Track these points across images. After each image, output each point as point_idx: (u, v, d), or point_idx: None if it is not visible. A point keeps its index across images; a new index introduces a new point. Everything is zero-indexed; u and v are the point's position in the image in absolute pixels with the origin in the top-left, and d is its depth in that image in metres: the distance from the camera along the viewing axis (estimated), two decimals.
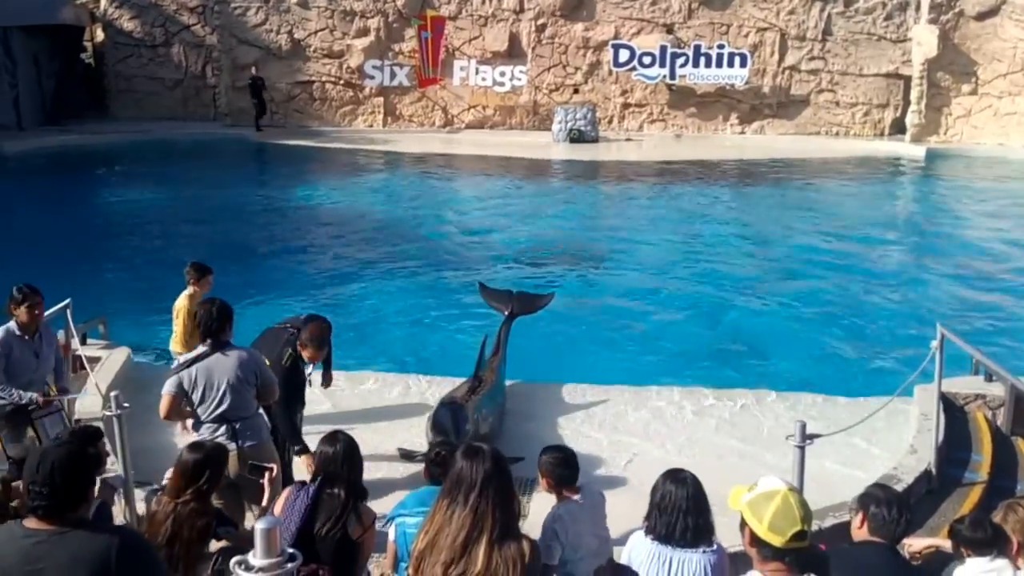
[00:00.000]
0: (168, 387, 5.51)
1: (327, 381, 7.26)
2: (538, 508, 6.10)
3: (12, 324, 6.16)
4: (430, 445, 4.19)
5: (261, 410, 5.72)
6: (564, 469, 4.49)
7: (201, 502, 4.25)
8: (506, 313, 8.67)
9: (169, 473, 4.58)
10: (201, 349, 5.56)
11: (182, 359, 5.71)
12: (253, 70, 26.08)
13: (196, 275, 7.44)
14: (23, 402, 6.01)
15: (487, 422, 7.01)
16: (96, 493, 4.26)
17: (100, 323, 8.92)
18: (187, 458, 4.35)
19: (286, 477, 5.66)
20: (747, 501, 3.24)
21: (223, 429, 5.42)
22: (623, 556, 4.16)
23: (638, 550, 4.00)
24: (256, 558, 2.91)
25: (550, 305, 9.11)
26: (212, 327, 5.48)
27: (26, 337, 6.16)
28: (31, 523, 3.03)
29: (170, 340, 7.55)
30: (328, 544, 4.06)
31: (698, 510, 3.92)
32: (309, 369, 6.45)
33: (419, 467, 6.59)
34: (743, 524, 3.24)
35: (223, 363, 5.44)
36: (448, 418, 6.71)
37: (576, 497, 4.51)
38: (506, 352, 8.25)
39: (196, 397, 5.47)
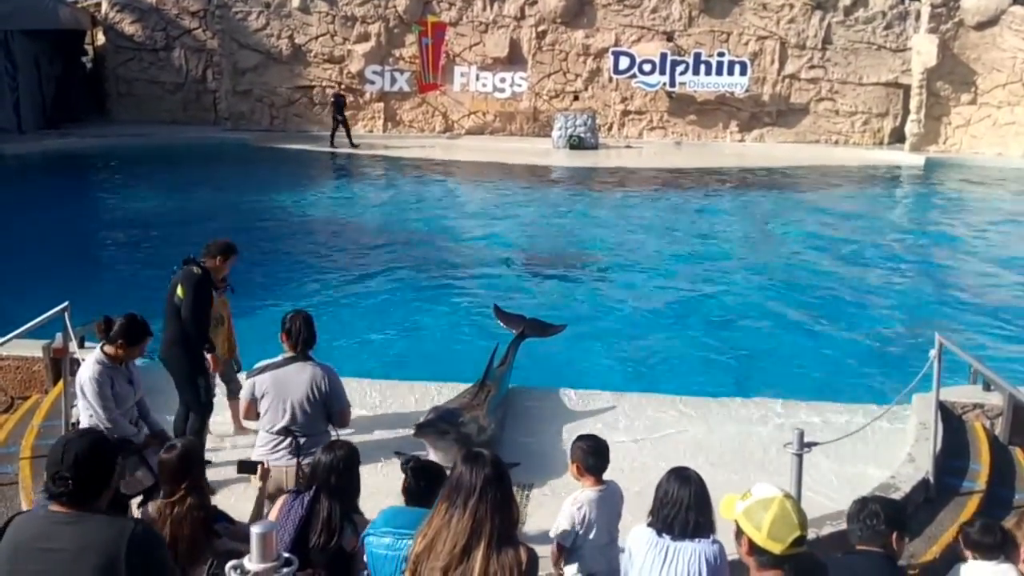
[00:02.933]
0: (243, 391, 5.56)
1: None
2: (536, 514, 6.10)
3: (99, 353, 5.61)
4: (402, 463, 4.12)
5: (330, 428, 5.52)
6: (592, 458, 4.62)
7: (196, 496, 4.28)
8: (516, 333, 8.78)
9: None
10: (280, 357, 5.43)
11: (260, 364, 5.56)
12: (338, 87, 26.02)
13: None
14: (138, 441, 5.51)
15: (489, 429, 7.01)
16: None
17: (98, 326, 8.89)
18: (166, 458, 4.39)
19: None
20: (743, 510, 3.23)
21: (287, 442, 5.26)
22: (625, 547, 4.21)
23: (637, 538, 4.06)
24: (252, 562, 2.91)
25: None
26: (301, 338, 5.38)
27: (119, 364, 5.66)
28: (55, 507, 3.10)
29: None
30: (323, 556, 4.04)
31: (700, 508, 3.96)
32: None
33: None
34: (739, 533, 3.23)
35: (295, 377, 5.29)
36: (438, 424, 6.73)
37: (599, 488, 4.62)
38: (512, 365, 8.32)
39: (263, 405, 5.36)
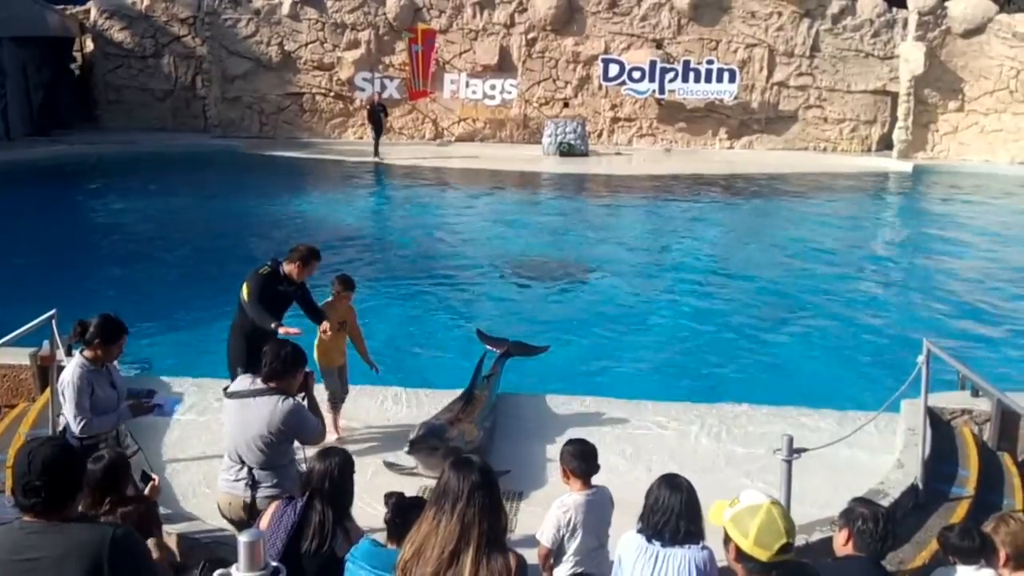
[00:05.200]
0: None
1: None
2: (526, 521, 6.09)
3: (80, 358, 5.53)
4: (385, 497, 4.11)
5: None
6: (577, 461, 4.63)
7: (115, 516, 4.20)
8: (499, 352, 8.78)
9: None
10: (247, 385, 5.14)
11: (234, 385, 5.25)
12: (375, 97, 25.48)
13: (340, 287, 7.85)
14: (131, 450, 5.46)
15: (477, 441, 7.03)
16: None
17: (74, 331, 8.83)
18: (90, 468, 4.26)
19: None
20: (730, 516, 3.25)
21: (243, 472, 5.04)
22: (614, 553, 4.20)
23: (627, 544, 4.06)
24: (239, 571, 2.90)
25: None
26: (274, 369, 5.01)
27: (99, 366, 5.56)
28: (28, 518, 3.07)
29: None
30: (315, 562, 4.03)
31: (690, 515, 3.96)
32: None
33: (406, 480, 6.61)
34: (727, 540, 3.24)
35: (253, 412, 4.97)
36: (429, 440, 6.76)
37: (586, 492, 4.62)
38: (500, 375, 8.34)
39: (225, 431, 5.19)
